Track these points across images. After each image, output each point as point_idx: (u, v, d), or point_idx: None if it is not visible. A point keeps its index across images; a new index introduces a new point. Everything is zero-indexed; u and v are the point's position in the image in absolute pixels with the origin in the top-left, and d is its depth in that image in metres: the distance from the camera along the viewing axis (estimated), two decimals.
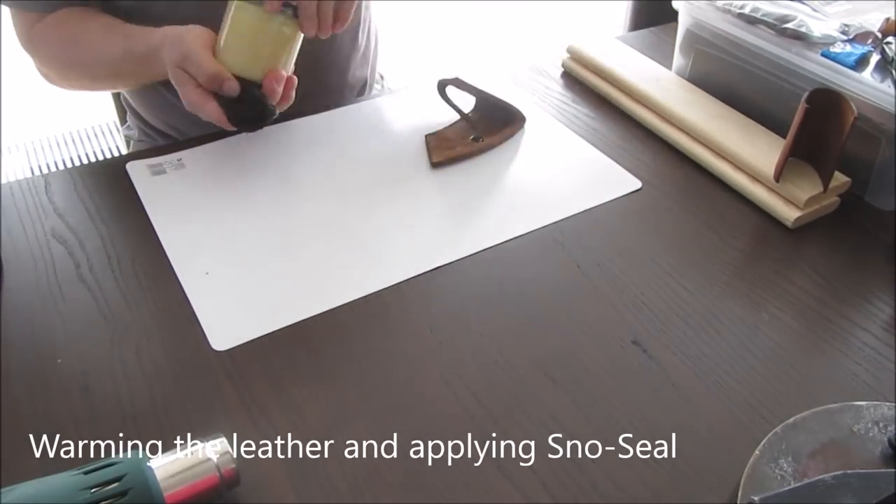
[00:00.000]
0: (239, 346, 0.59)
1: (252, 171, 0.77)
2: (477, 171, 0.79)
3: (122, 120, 1.08)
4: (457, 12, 0.88)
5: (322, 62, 0.93)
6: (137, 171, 0.76)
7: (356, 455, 0.52)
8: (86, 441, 0.52)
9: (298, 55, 0.72)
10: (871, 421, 0.51)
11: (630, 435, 0.54)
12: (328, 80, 0.96)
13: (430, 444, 0.53)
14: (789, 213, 0.72)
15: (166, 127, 0.95)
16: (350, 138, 0.83)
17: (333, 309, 0.63)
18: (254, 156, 0.79)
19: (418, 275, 0.66)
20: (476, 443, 0.53)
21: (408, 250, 0.69)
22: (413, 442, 0.53)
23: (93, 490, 0.43)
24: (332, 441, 0.53)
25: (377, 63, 1.08)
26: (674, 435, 0.54)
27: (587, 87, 0.94)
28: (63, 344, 0.59)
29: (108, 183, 0.75)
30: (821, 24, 0.78)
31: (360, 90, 1.03)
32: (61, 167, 2.07)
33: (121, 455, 0.46)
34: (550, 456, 0.52)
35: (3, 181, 0.74)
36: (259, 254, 0.67)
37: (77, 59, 0.82)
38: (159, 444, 0.51)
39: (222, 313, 0.62)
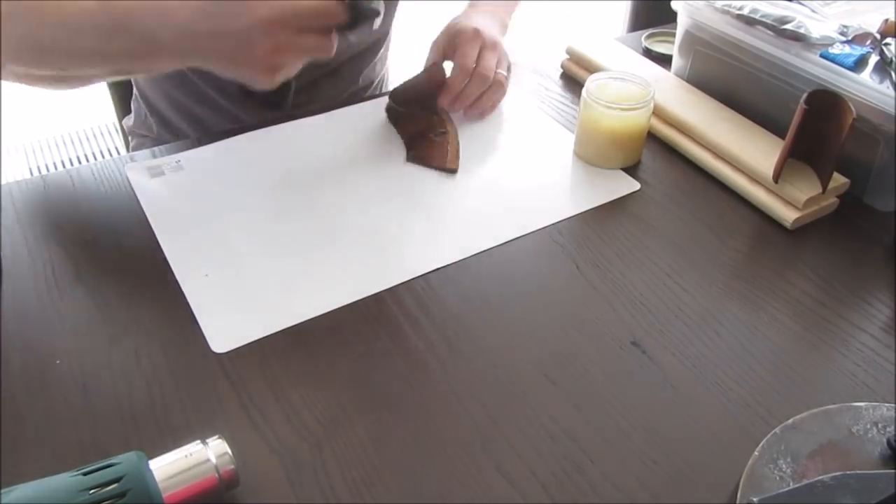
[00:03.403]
0: (237, 347, 0.59)
1: (250, 173, 0.77)
2: (476, 172, 0.79)
3: (122, 114, 1.07)
4: (456, 13, 0.89)
5: (343, 69, 0.95)
6: (136, 172, 0.76)
7: (355, 456, 0.52)
8: (85, 441, 0.52)
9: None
10: (870, 422, 0.51)
11: (629, 436, 0.54)
12: (342, 84, 0.97)
13: (429, 444, 0.53)
14: (788, 214, 0.72)
15: (174, 113, 0.95)
16: (349, 140, 0.83)
17: (333, 310, 0.63)
18: (252, 158, 0.79)
19: (418, 276, 0.66)
20: (475, 443, 0.53)
21: (407, 252, 0.69)
22: (412, 443, 0.53)
23: (92, 491, 0.43)
24: (330, 442, 0.53)
25: (385, 65, 1.08)
26: (672, 436, 0.54)
27: None
28: (62, 344, 0.59)
29: (107, 184, 0.75)
30: (819, 25, 0.78)
31: (364, 90, 1.03)
32: (60, 168, 2.07)
33: (120, 456, 0.46)
34: (549, 457, 0.52)
35: (3, 182, 0.74)
36: (258, 256, 0.67)
37: (55, 26, 0.61)
38: (158, 444, 0.51)
39: (222, 315, 0.62)
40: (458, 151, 0.80)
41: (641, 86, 0.79)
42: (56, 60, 0.63)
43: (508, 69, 0.89)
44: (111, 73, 0.69)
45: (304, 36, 0.63)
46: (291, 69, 0.65)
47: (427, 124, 0.82)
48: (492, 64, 0.85)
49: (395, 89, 0.86)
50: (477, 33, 0.85)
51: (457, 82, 0.83)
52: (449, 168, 0.78)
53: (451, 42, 0.85)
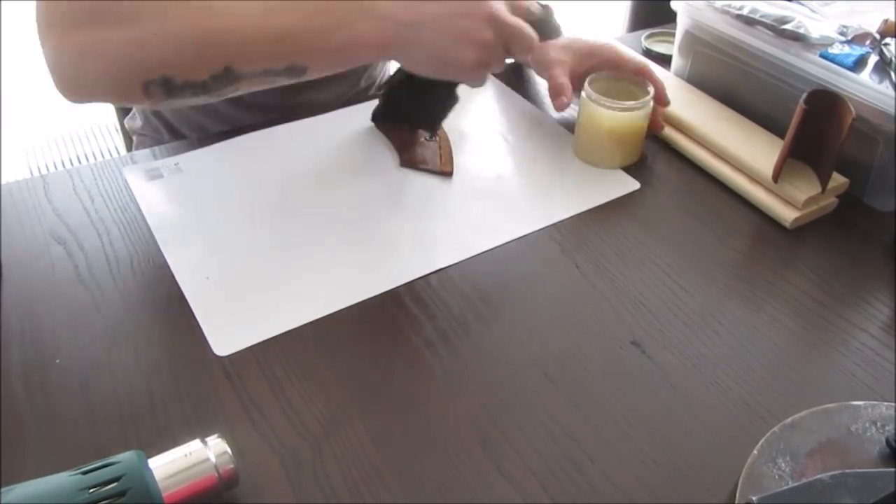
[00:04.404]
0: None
1: (249, 175, 0.77)
2: (475, 173, 0.79)
3: (123, 114, 1.07)
4: None
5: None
6: (134, 175, 0.76)
7: (355, 456, 0.52)
8: (85, 441, 0.52)
9: None
10: (869, 420, 0.51)
11: (628, 435, 0.54)
12: (346, 83, 0.97)
13: (429, 444, 0.53)
14: (788, 214, 0.72)
15: (177, 119, 0.95)
16: (349, 142, 0.83)
17: (334, 312, 0.63)
18: (251, 160, 0.79)
19: (418, 278, 0.66)
20: (475, 443, 0.53)
21: (407, 253, 0.69)
22: (412, 442, 0.53)
23: (91, 490, 0.43)
24: (330, 442, 0.53)
25: (385, 66, 1.08)
26: (672, 435, 0.54)
27: None
28: (62, 344, 0.59)
29: (108, 184, 0.75)
30: (819, 26, 0.78)
31: (367, 90, 1.03)
32: (60, 168, 2.07)
33: (119, 455, 0.46)
34: (549, 456, 0.52)
35: (3, 182, 0.74)
36: (259, 258, 0.67)
37: (222, 28, 0.59)
38: (158, 444, 0.51)
39: (224, 319, 0.61)
40: (451, 154, 0.80)
41: (640, 85, 0.79)
42: (223, 55, 0.59)
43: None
44: (280, 73, 0.62)
45: (503, 49, 0.65)
46: (491, 70, 0.66)
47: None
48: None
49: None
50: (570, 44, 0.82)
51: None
52: (444, 171, 0.78)
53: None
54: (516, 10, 0.66)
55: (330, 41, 0.61)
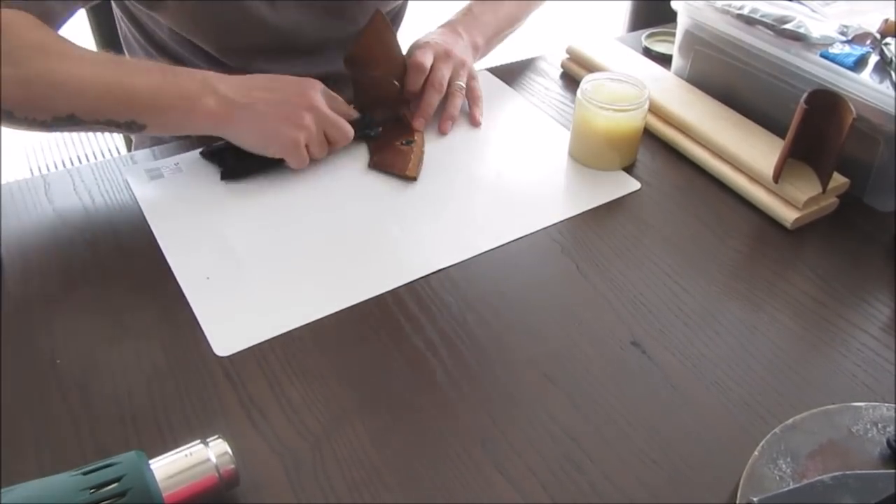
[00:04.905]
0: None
1: (248, 176, 0.77)
2: (475, 173, 0.79)
3: None
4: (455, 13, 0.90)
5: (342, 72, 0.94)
6: (134, 175, 0.76)
7: (355, 456, 0.52)
8: (85, 441, 0.52)
9: (322, 64, 0.88)
10: (870, 422, 0.51)
11: (629, 435, 0.54)
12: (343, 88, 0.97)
13: (429, 444, 0.53)
14: (788, 214, 0.72)
15: None
16: (350, 143, 0.82)
17: (334, 312, 0.63)
18: None
19: (418, 278, 0.66)
20: (475, 443, 0.53)
21: (408, 254, 0.69)
22: (412, 442, 0.53)
23: (92, 490, 0.43)
24: (330, 441, 0.53)
25: None
26: (672, 435, 0.54)
27: None
28: (62, 344, 0.59)
29: (108, 184, 0.75)
30: (819, 25, 0.78)
31: None
32: (61, 168, 2.08)
33: (120, 455, 0.46)
34: (549, 456, 0.52)
35: (3, 182, 0.74)
36: (259, 258, 0.67)
37: (73, 74, 0.65)
38: (158, 444, 0.51)
39: (225, 319, 0.61)
40: (420, 160, 0.79)
41: (637, 87, 0.79)
42: (70, 105, 0.65)
43: (473, 77, 0.88)
44: (120, 125, 0.68)
45: (323, 136, 0.75)
46: (312, 155, 0.75)
47: (397, 131, 0.82)
48: (444, 74, 0.84)
49: (346, 56, 0.83)
50: (429, 45, 0.85)
51: (411, 81, 0.83)
52: (407, 176, 0.77)
53: (409, 55, 0.85)
54: (337, 110, 0.76)
55: (170, 108, 0.69)
